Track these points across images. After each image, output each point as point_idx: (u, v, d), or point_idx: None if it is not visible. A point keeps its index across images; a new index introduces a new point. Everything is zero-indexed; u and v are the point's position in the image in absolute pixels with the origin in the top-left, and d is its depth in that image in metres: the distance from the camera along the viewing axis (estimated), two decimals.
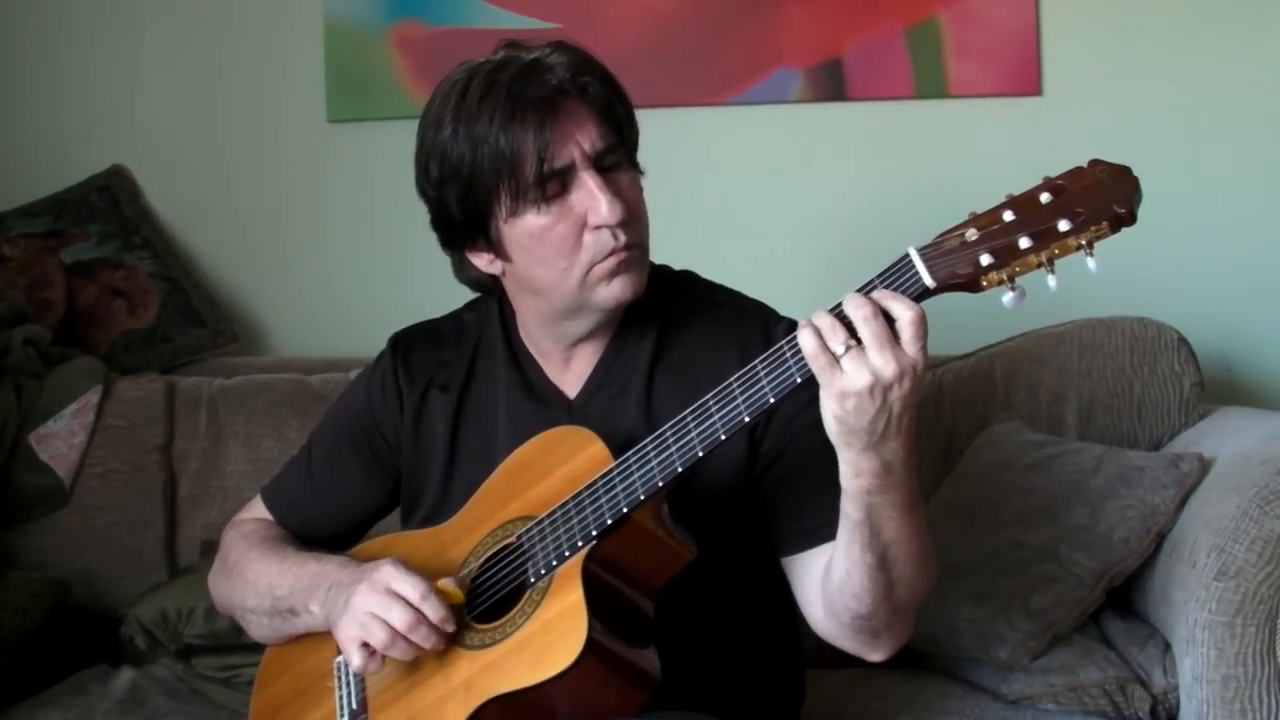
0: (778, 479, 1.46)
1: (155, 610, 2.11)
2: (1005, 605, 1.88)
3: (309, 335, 2.72)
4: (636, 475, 1.32)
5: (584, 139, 1.40)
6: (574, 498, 1.37)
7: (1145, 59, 2.45)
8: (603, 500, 1.34)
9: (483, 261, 1.49)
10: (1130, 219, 1.15)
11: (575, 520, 1.35)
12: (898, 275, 1.21)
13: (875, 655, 1.42)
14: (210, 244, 2.77)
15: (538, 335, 1.55)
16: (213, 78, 2.76)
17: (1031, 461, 2.04)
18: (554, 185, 1.40)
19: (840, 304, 1.21)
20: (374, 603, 1.37)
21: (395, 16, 2.64)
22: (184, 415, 2.41)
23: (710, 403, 1.29)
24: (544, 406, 1.53)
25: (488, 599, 1.42)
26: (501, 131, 1.38)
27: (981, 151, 2.48)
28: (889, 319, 1.19)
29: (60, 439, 2.36)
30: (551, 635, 1.31)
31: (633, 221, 1.43)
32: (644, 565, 1.36)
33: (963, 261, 1.18)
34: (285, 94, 2.72)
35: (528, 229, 1.41)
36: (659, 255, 1.51)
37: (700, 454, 1.29)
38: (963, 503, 2.06)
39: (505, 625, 1.37)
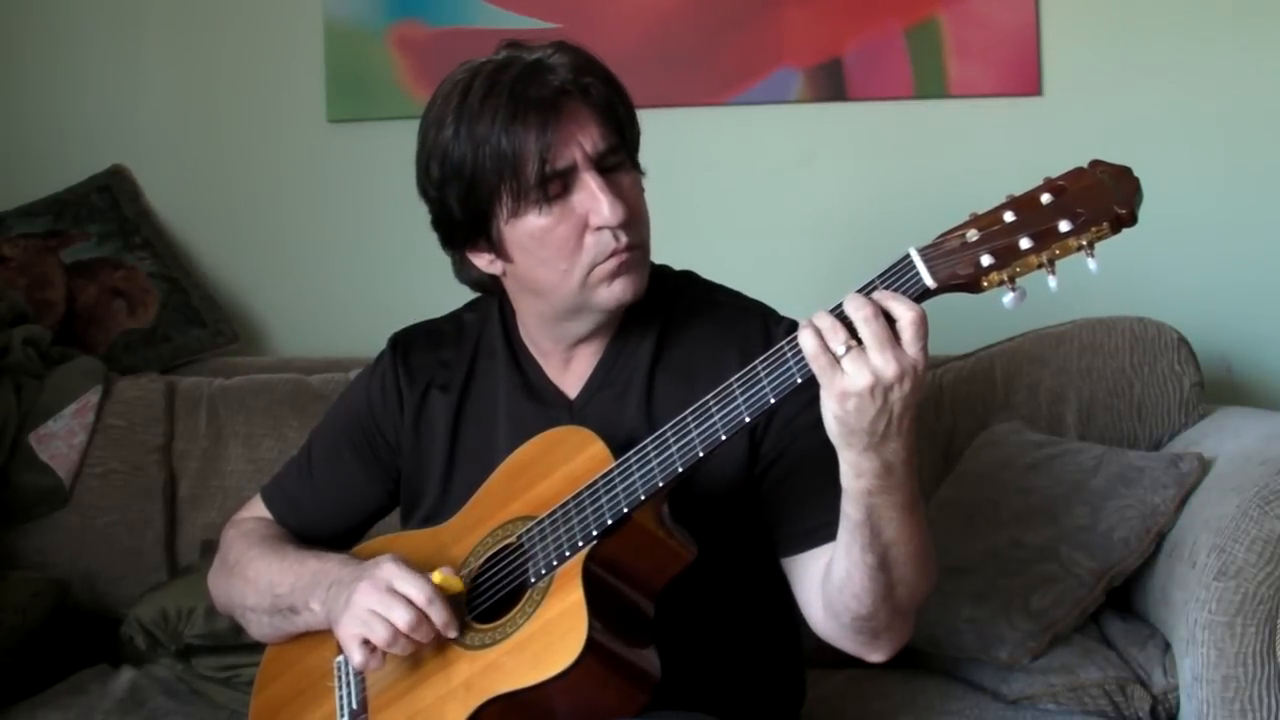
0: (778, 479, 1.46)
1: (155, 610, 2.11)
2: (1005, 605, 1.88)
3: (309, 335, 2.72)
4: (637, 475, 1.32)
5: (586, 140, 1.40)
6: (574, 498, 1.37)
7: (1145, 59, 2.45)
8: (603, 500, 1.34)
9: (483, 262, 1.49)
10: (1131, 220, 1.15)
11: (575, 520, 1.35)
12: (898, 276, 1.21)
13: (875, 656, 1.42)
14: (210, 244, 2.77)
15: (538, 335, 1.55)
16: (213, 78, 2.76)
17: (1031, 461, 2.04)
18: (555, 186, 1.40)
19: (841, 304, 1.21)
20: (375, 600, 1.37)
21: (395, 16, 2.64)
22: (184, 415, 2.41)
23: (711, 403, 1.29)
24: (544, 407, 1.53)
25: (488, 599, 1.42)
26: (503, 132, 1.38)
27: (981, 151, 2.48)
28: (890, 319, 1.19)
29: (60, 439, 2.36)
30: (552, 635, 1.31)
31: (634, 222, 1.43)
32: (644, 565, 1.36)
33: (963, 262, 1.18)
34: (285, 94, 2.72)
35: (529, 230, 1.41)
36: (659, 255, 1.51)
37: (701, 454, 1.29)
38: (963, 503, 2.06)
39: (505, 625, 1.37)
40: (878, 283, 1.22)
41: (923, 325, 1.19)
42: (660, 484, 1.31)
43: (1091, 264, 1.16)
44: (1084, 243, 1.15)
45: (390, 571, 1.38)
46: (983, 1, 2.45)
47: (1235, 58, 2.42)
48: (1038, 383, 2.18)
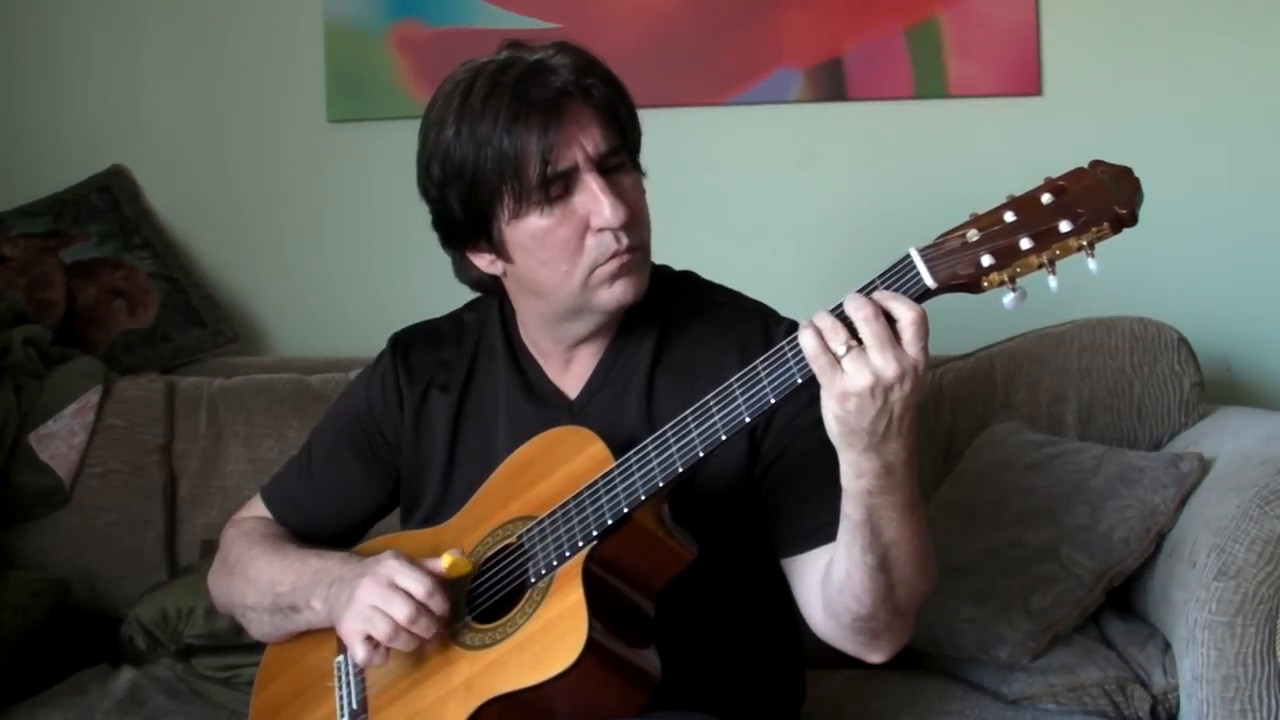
0: (778, 480, 1.46)
1: (155, 610, 2.11)
2: (1005, 605, 1.88)
3: (309, 335, 2.72)
4: (637, 475, 1.32)
5: (587, 141, 1.40)
6: (574, 498, 1.37)
7: (1145, 59, 2.45)
8: (603, 500, 1.34)
9: (484, 262, 1.49)
10: (1131, 220, 1.15)
11: (576, 520, 1.36)
12: (899, 276, 1.21)
13: (875, 657, 1.42)
14: (210, 244, 2.77)
15: (538, 336, 1.55)
16: (213, 78, 2.76)
17: (1031, 461, 2.04)
18: (557, 187, 1.40)
19: (841, 304, 1.21)
20: (377, 596, 1.37)
21: (395, 16, 2.64)
22: (184, 415, 2.41)
23: (711, 403, 1.29)
24: (544, 407, 1.53)
25: (488, 599, 1.42)
26: (505, 133, 1.38)
27: (981, 151, 2.48)
28: (890, 319, 1.19)
29: (60, 439, 2.36)
30: (552, 635, 1.31)
31: (635, 224, 1.43)
32: (644, 565, 1.36)
33: (964, 262, 1.18)
34: (285, 94, 2.72)
35: (530, 231, 1.41)
36: (659, 256, 1.51)
37: (701, 454, 1.29)
38: (963, 503, 2.06)
39: (506, 625, 1.37)
40: (878, 283, 1.22)
41: (923, 325, 1.19)
42: (660, 484, 1.31)
43: (1092, 264, 1.16)
44: (1084, 243, 1.16)
45: (392, 567, 1.38)
46: (983, 1, 2.45)
47: (1235, 57, 2.42)
48: (1038, 383, 2.18)
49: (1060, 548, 1.92)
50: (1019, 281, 1.18)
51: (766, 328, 1.50)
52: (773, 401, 1.25)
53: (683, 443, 1.30)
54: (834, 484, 1.27)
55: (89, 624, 2.25)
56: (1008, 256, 1.17)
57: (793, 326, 1.40)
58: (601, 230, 1.40)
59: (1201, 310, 2.36)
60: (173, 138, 2.78)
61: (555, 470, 1.42)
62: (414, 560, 1.40)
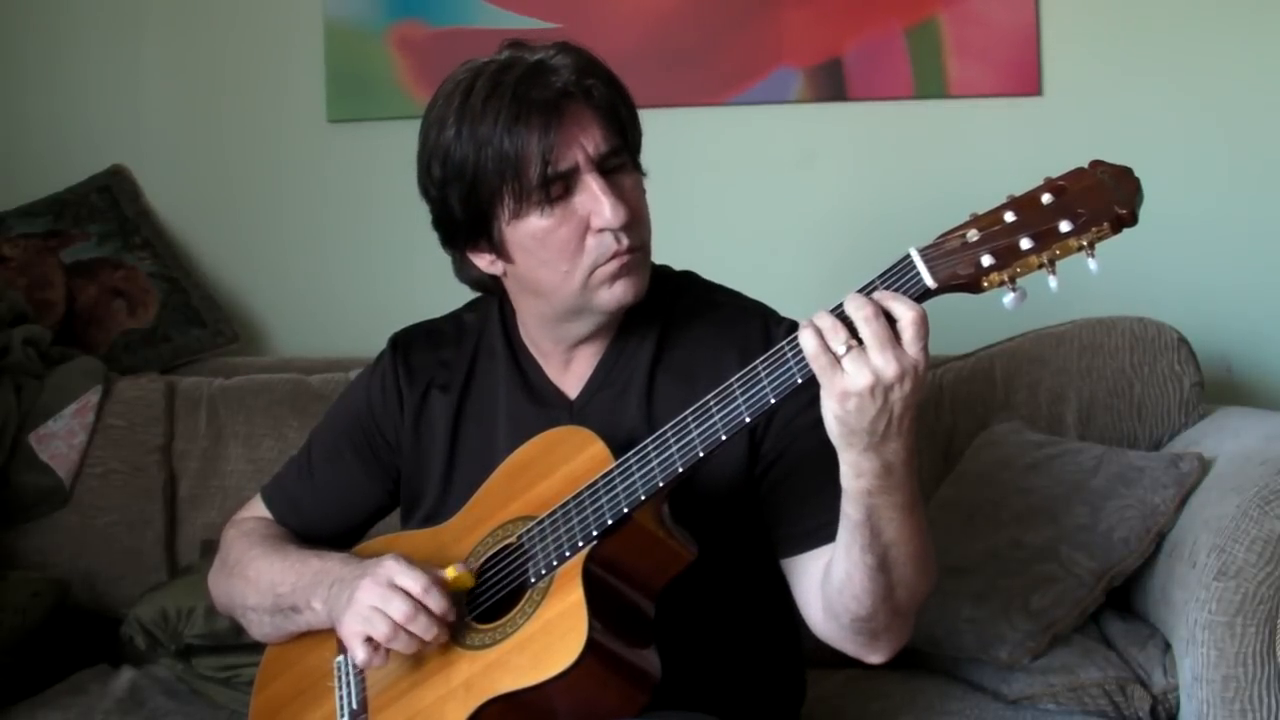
0: (777, 480, 1.46)
1: (155, 610, 2.11)
2: (1005, 605, 1.88)
3: (309, 335, 2.72)
4: (637, 475, 1.32)
5: (588, 142, 1.40)
6: (574, 498, 1.37)
7: (1145, 59, 2.45)
8: (603, 500, 1.34)
9: (484, 262, 1.49)
10: (1132, 220, 1.16)
11: (576, 520, 1.36)
12: (899, 276, 1.21)
13: (874, 657, 1.42)
14: (210, 244, 2.77)
15: (538, 336, 1.55)
16: (213, 78, 2.76)
17: (1031, 461, 2.04)
18: (557, 188, 1.40)
19: (841, 304, 1.21)
20: (377, 596, 1.37)
21: (395, 16, 2.65)
22: (184, 415, 2.41)
23: (711, 403, 1.29)
24: (544, 407, 1.53)
25: (488, 599, 1.42)
26: (506, 133, 1.38)
27: (981, 151, 2.48)
28: (890, 319, 1.19)
29: (60, 439, 2.36)
30: (552, 635, 1.31)
31: (635, 224, 1.43)
32: (644, 565, 1.36)
33: (964, 262, 1.18)
34: (285, 94, 2.72)
35: (530, 231, 1.41)
36: (660, 256, 1.51)
37: (701, 454, 1.29)
38: (963, 503, 2.06)
39: (506, 625, 1.37)
40: (878, 283, 1.22)
41: (923, 325, 1.19)
42: (660, 484, 1.31)
43: (1092, 264, 1.16)
44: (1084, 243, 1.16)
45: (392, 568, 1.38)
46: (983, 1, 2.45)
47: (1235, 57, 2.42)
48: (1038, 383, 2.18)
49: (1060, 548, 1.92)
50: (1019, 281, 1.18)
51: (766, 328, 1.50)
52: (773, 401, 1.25)
53: (683, 443, 1.30)
54: (834, 484, 1.27)
55: (89, 624, 2.25)
56: (1008, 256, 1.17)
57: (793, 326, 1.40)
58: (602, 230, 1.40)
59: (1201, 310, 2.36)
60: (173, 138, 2.78)
61: (555, 470, 1.42)
62: (414, 562, 1.40)
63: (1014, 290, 1.18)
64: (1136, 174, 1.17)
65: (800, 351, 1.21)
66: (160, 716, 1.98)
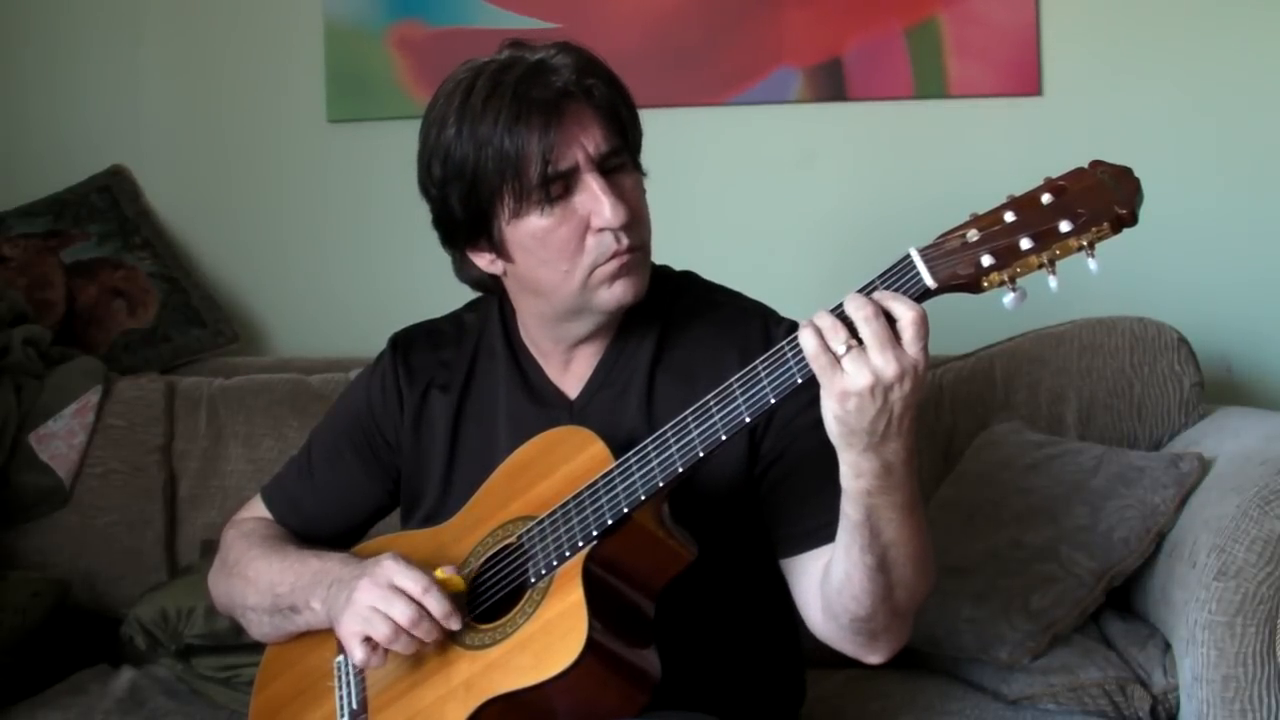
0: (777, 480, 1.46)
1: (155, 610, 2.11)
2: (1005, 605, 1.88)
3: (309, 335, 2.72)
4: (637, 475, 1.32)
5: (588, 141, 1.40)
6: (574, 498, 1.37)
7: (1145, 59, 2.45)
8: (603, 500, 1.34)
9: (484, 261, 1.49)
10: (1132, 220, 1.16)
11: (576, 520, 1.36)
12: (899, 276, 1.21)
13: (874, 657, 1.42)
14: (210, 244, 2.77)
15: (538, 336, 1.55)
16: (213, 78, 2.76)
17: (1031, 461, 2.04)
18: (558, 187, 1.40)
19: (841, 304, 1.21)
20: (376, 597, 1.37)
21: (395, 16, 2.65)
22: (184, 415, 2.41)
23: (711, 403, 1.29)
24: (544, 407, 1.53)
25: (488, 599, 1.42)
26: (506, 133, 1.38)
27: (981, 151, 2.48)
28: (890, 319, 1.19)
29: (60, 439, 2.36)
30: (552, 635, 1.31)
31: (635, 224, 1.43)
32: (644, 565, 1.36)
33: (964, 262, 1.18)
34: (285, 94, 2.72)
35: (530, 230, 1.41)
36: (660, 256, 1.51)
37: (701, 454, 1.29)
38: (963, 503, 2.06)
39: (506, 625, 1.37)
40: (878, 283, 1.22)
41: (923, 325, 1.19)
42: (660, 484, 1.31)
43: (1092, 264, 1.16)
44: (1084, 243, 1.16)
45: (391, 568, 1.38)
46: (983, 1, 2.45)
47: (1235, 58, 2.42)
48: (1038, 383, 2.18)
49: (1060, 548, 1.92)
50: (1019, 281, 1.18)
51: (766, 328, 1.50)
52: (773, 401, 1.25)
53: (683, 443, 1.30)
54: (833, 484, 1.27)
55: (89, 624, 2.25)
56: (1008, 256, 1.17)
57: (793, 327, 1.40)
58: (602, 230, 1.40)
59: (1201, 310, 2.36)
60: (173, 138, 2.78)
61: (555, 470, 1.42)
62: (413, 562, 1.40)
63: (1014, 290, 1.17)
64: (1136, 174, 1.17)
65: (800, 351, 1.21)
66: (160, 716, 1.98)
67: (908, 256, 1.21)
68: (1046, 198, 1.17)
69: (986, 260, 1.17)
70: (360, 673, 1.47)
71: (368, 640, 1.37)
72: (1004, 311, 1.19)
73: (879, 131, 2.54)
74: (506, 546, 1.43)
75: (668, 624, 1.36)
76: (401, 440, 1.61)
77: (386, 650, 1.38)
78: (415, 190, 1.49)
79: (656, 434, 1.33)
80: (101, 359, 2.50)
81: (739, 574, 1.50)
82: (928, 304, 1.20)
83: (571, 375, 1.54)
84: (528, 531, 1.40)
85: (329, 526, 1.66)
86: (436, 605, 1.36)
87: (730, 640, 1.52)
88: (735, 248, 2.50)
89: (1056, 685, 1.83)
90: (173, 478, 2.39)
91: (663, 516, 1.37)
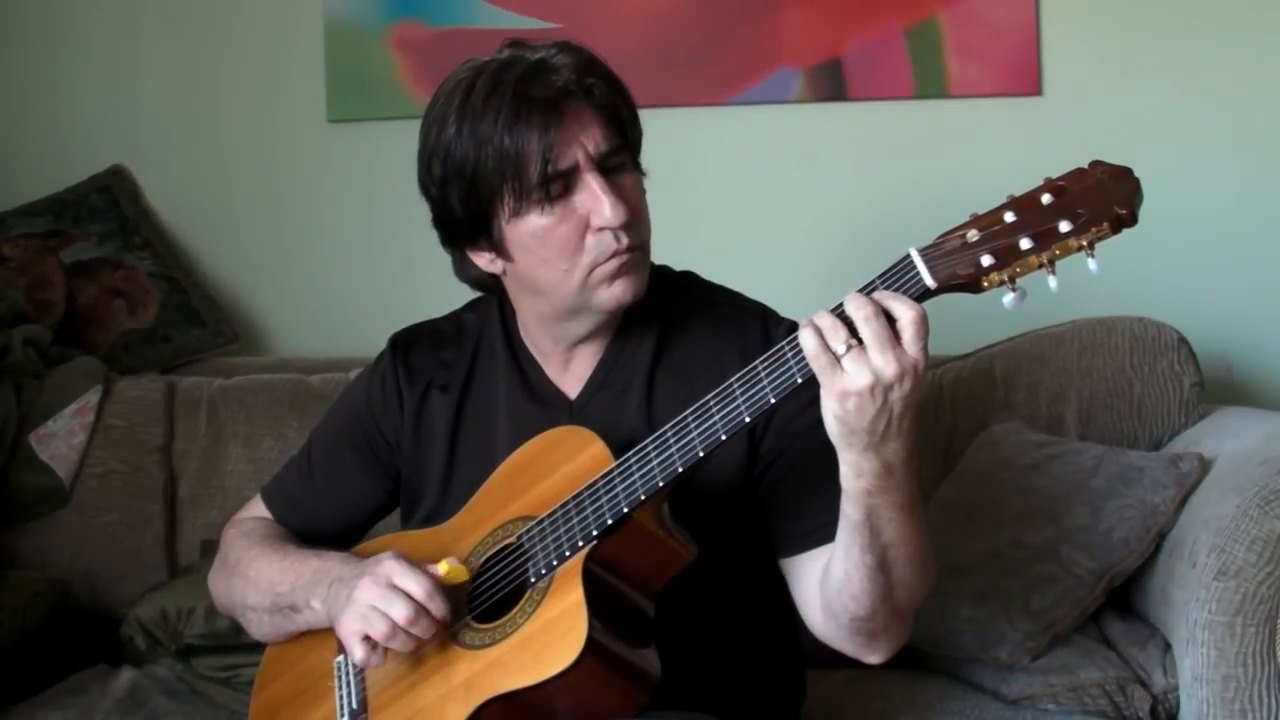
0: (777, 480, 1.46)
1: (155, 610, 2.11)
2: (1005, 605, 1.88)
3: (309, 335, 2.72)
4: (637, 475, 1.32)
5: (588, 141, 1.40)
6: (574, 498, 1.37)
7: (1145, 59, 2.45)
8: (603, 500, 1.34)
9: (484, 261, 1.49)
10: (1131, 220, 1.16)
11: (576, 520, 1.36)
12: (899, 276, 1.21)
13: (873, 657, 1.42)
14: (210, 244, 2.77)
15: (538, 335, 1.55)
16: (213, 78, 2.76)
17: (1031, 461, 2.04)
18: (557, 186, 1.40)
19: (841, 304, 1.21)
20: (376, 596, 1.37)
21: (395, 16, 2.65)
22: (184, 415, 2.41)
23: (711, 403, 1.29)
24: (544, 407, 1.53)
25: (488, 599, 1.42)
26: (506, 132, 1.38)
27: (981, 151, 2.48)
28: (890, 319, 1.19)
29: (60, 439, 2.36)
30: (552, 635, 1.31)
31: (635, 224, 1.43)
32: (644, 565, 1.36)
33: (964, 262, 1.18)
34: (285, 94, 2.72)
35: (530, 229, 1.41)
36: (660, 256, 1.51)
37: (701, 454, 1.29)
38: (963, 503, 2.06)
39: (506, 625, 1.37)
40: (878, 283, 1.22)
41: (923, 325, 1.19)
42: (660, 484, 1.31)
43: (1092, 264, 1.16)
44: (1084, 243, 1.16)
45: (391, 568, 1.38)
46: (983, 1, 2.45)
47: (1235, 57, 2.42)
48: (1038, 383, 2.18)
49: (1060, 548, 1.92)
50: (1019, 281, 1.18)
51: (766, 328, 1.50)
52: (773, 401, 1.25)
53: (683, 443, 1.30)
54: (833, 484, 1.27)
55: (89, 624, 2.25)
56: (1008, 256, 1.17)
57: (792, 327, 1.40)
58: (601, 229, 1.40)
59: (1201, 310, 2.36)
60: (173, 138, 2.78)
61: (555, 470, 1.42)
62: (413, 561, 1.40)
63: (1014, 290, 1.18)
64: (1136, 174, 1.17)
65: (800, 351, 1.22)
66: (160, 716, 1.98)
67: (908, 256, 1.21)
68: (1046, 198, 1.17)
69: (986, 260, 1.17)
70: (360, 672, 1.47)
71: (368, 639, 1.37)
72: (1004, 311, 1.19)
73: (879, 131, 2.54)
74: (506, 546, 1.43)
75: (668, 624, 1.36)
76: (401, 440, 1.61)
77: (386, 650, 1.38)
78: (415, 190, 1.49)
79: (656, 434, 1.33)
80: (101, 359, 2.50)
81: (739, 574, 1.50)
82: (928, 304, 1.20)
83: (571, 375, 1.54)
84: (528, 531, 1.40)
85: (329, 526, 1.66)
86: (438, 609, 1.36)
87: (730, 640, 1.52)
88: (735, 247, 2.50)
89: (1056, 685, 1.83)
90: (173, 478, 2.39)
91: (663, 516, 1.37)
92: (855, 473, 1.24)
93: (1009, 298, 1.18)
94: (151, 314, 2.60)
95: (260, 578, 1.57)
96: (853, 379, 1.18)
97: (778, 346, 1.26)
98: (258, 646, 1.65)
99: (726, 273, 1.61)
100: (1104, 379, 2.15)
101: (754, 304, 1.56)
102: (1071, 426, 2.15)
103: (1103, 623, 1.94)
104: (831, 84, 2.52)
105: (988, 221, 1.19)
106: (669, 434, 1.31)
